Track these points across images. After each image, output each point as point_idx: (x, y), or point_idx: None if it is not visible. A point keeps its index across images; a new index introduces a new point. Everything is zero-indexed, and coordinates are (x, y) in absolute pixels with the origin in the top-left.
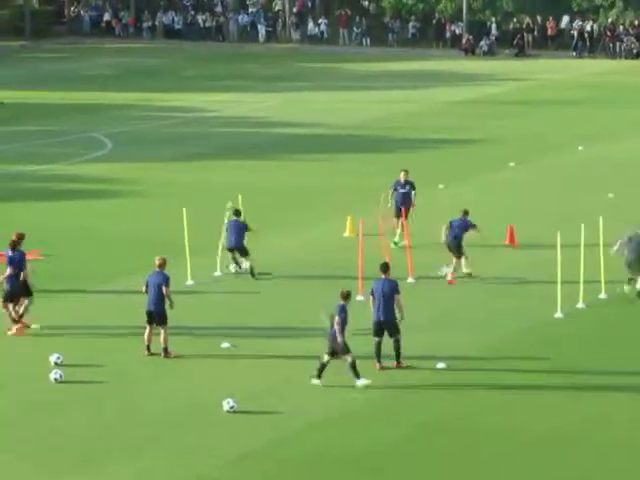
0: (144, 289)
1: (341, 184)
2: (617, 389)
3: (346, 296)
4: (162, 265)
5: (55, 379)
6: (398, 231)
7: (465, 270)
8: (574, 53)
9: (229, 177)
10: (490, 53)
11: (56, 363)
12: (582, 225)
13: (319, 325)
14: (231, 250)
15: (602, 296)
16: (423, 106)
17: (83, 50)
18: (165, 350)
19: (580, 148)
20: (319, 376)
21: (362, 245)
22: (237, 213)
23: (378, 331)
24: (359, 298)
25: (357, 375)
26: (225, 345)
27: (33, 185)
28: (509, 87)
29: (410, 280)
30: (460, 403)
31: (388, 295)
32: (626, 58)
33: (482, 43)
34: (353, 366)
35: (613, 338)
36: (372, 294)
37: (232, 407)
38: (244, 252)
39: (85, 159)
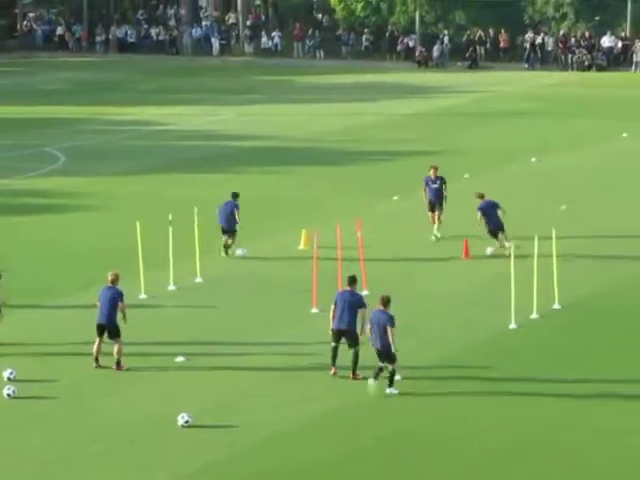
0: (98, 304)
1: (296, 197)
2: (571, 397)
3: (387, 302)
4: (115, 280)
5: (8, 395)
6: (435, 225)
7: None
8: (526, 65)
9: (184, 190)
10: (442, 63)
11: (9, 379)
12: (535, 236)
13: (273, 339)
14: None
15: (556, 306)
16: (378, 118)
17: (36, 64)
18: (118, 363)
19: (533, 159)
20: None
21: (317, 258)
22: (235, 196)
23: (336, 339)
24: (314, 311)
25: (390, 384)
26: (180, 359)
27: None
28: (463, 99)
29: (364, 292)
30: (418, 415)
31: (351, 306)
32: (578, 70)
33: (435, 48)
34: (393, 374)
35: (567, 347)
36: (335, 303)
37: (187, 422)
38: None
39: (39, 173)
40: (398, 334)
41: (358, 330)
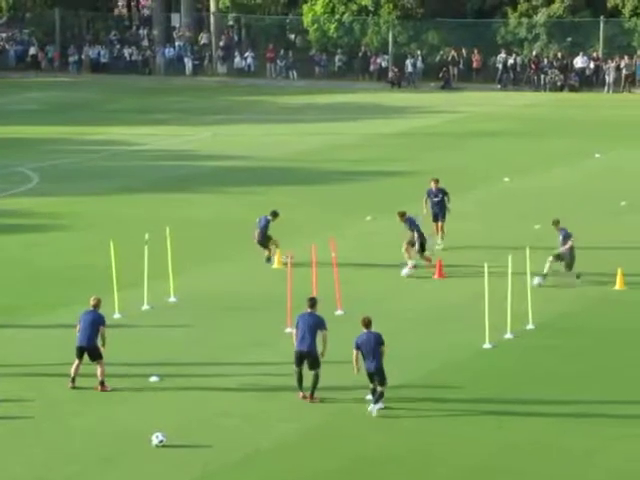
0: (77, 327)
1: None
2: (544, 418)
3: (369, 323)
4: (97, 305)
5: None
6: (439, 235)
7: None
8: (499, 85)
9: (158, 210)
10: (413, 82)
11: None
12: (509, 256)
13: (247, 358)
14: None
15: (530, 326)
16: (351, 138)
17: (8, 84)
18: (102, 384)
19: (506, 179)
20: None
21: (291, 277)
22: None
23: (299, 362)
24: (288, 330)
25: (376, 402)
26: (154, 379)
27: None
28: (436, 120)
29: (339, 312)
30: (392, 435)
31: (313, 328)
32: (550, 90)
33: (407, 63)
34: (381, 395)
35: (540, 367)
36: (297, 326)
37: (161, 441)
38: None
39: (11, 193)
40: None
41: (319, 351)
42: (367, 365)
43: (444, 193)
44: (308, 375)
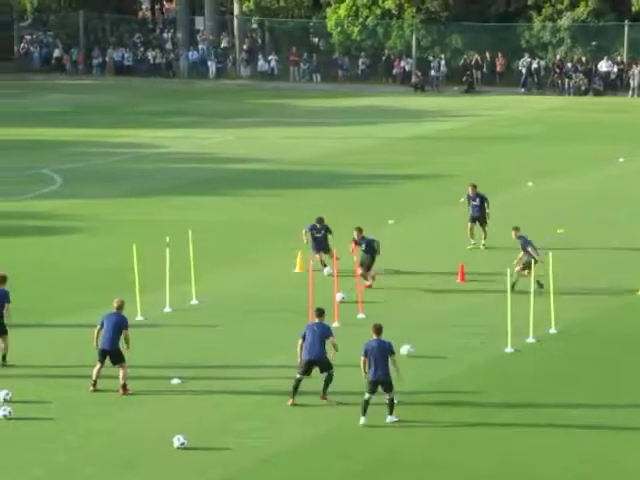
0: (98, 328)
1: (292, 219)
2: (566, 423)
3: (380, 330)
4: (120, 307)
5: (4, 415)
6: (483, 237)
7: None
8: (523, 89)
9: (180, 213)
10: (436, 86)
11: (5, 400)
12: (532, 260)
13: (268, 361)
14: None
15: (552, 331)
16: (374, 142)
17: (33, 87)
18: (124, 387)
19: (530, 184)
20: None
21: (312, 281)
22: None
23: (305, 370)
24: None
25: (391, 412)
26: (175, 381)
27: None
28: (459, 123)
29: (360, 316)
30: (410, 439)
31: (322, 338)
32: (574, 94)
33: (433, 65)
34: (392, 402)
35: (563, 372)
36: (303, 337)
37: (182, 443)
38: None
39: (34, 195)
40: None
41: (330, 356)
42: (371, 373)
43: (482, 198)
44: (318, 378)
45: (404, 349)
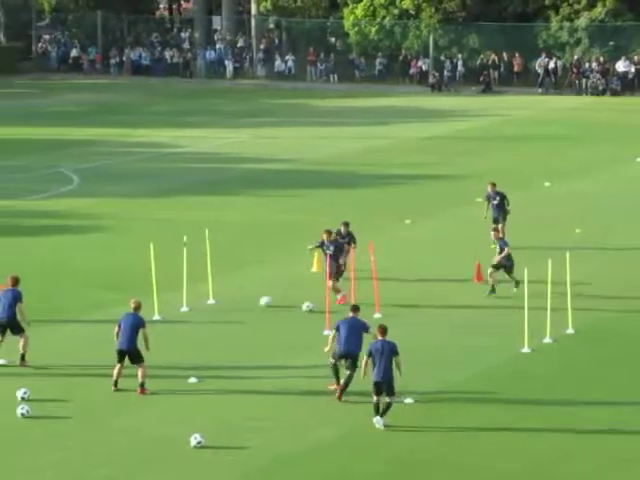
0: (116, 329)
1: (309, 219)
2: (584, 424)
3: (385, 330)
4: (138, 308)
5: (22, 414)
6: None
7: None
8: (540, 89)
9: (197, 212)
10: (450, 86)
11: (23, 398)
12: (549, 260)
13: (285, 361)
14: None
15: (569, 331)
16: (391, 142)
17: (50, 86)
18: (142, 386)
19: (547, 184)
20: (379, 414)
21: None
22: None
23: (338, 359)
24: (326, 333)
25: (383, 414)
26: (192, 380)
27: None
28: (476, 123)
29: (377, 315)
30: (429, 440)
31: (358, 330)
32: (591, 94)
33: (445, 65)
34: (389, 406)
35: (580, 372)
36: (337, 329)
37: (199, 442)
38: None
39: (52, 194)
40: (410, 358)
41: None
42: (375, 374)
43: (502, 196)
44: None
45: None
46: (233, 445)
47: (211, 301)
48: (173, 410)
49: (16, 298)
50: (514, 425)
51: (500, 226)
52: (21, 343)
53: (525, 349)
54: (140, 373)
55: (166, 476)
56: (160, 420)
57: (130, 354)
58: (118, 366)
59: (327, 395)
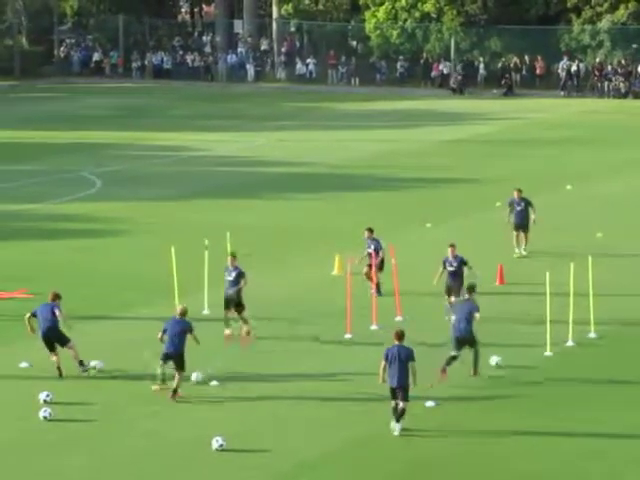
0: (160, 335)
1: (330, 222)
2: (606, 428)
3: (402, 335)
4: (184, 314)
5: (44, 417)
6: (522, 245)
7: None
8: (562, 92)
9: (218, 216)
10: (459, 87)
11: (45, 401)
12: (571, 264)
13: (307, 364)
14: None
15: (592, 335)
16: (412, 145)
17: (72, 90)
18: (175, 391)
19: (569, 187)
20: (395, 419)
21: (350, 284)
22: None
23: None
24: (347, 336)
25: (398, 419)
26: (214, 383)
27: (22, 224)
28: (498, 126)
29: (398, 318)
30: (449, 443)
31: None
32: (614, 97)
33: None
34: (403, 412)
35: (602, 376)
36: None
37: (221, 445)
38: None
39: (74, 198)
40: (427, 362)
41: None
42: (390, 379)
43: (527, 202)
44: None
45: (493, 360)
46: (255, 448)
47: None
48: (195, 413)
49: (53, 311)
50: (537, 427)
51: (523, 234)
52: (72, 354)
53: (548, 353)
54: (177, 378)
55: (190, 477)
56: (182, 423)
57: (175, 359)
58: (162, 365)
59: (350, 397)
